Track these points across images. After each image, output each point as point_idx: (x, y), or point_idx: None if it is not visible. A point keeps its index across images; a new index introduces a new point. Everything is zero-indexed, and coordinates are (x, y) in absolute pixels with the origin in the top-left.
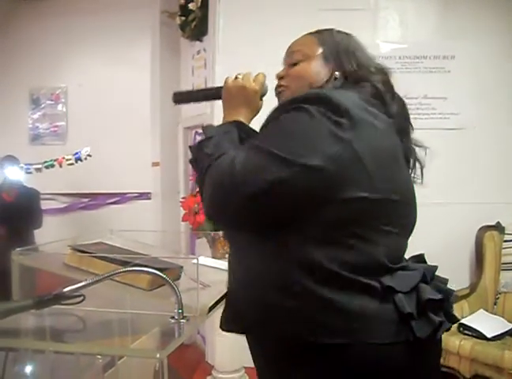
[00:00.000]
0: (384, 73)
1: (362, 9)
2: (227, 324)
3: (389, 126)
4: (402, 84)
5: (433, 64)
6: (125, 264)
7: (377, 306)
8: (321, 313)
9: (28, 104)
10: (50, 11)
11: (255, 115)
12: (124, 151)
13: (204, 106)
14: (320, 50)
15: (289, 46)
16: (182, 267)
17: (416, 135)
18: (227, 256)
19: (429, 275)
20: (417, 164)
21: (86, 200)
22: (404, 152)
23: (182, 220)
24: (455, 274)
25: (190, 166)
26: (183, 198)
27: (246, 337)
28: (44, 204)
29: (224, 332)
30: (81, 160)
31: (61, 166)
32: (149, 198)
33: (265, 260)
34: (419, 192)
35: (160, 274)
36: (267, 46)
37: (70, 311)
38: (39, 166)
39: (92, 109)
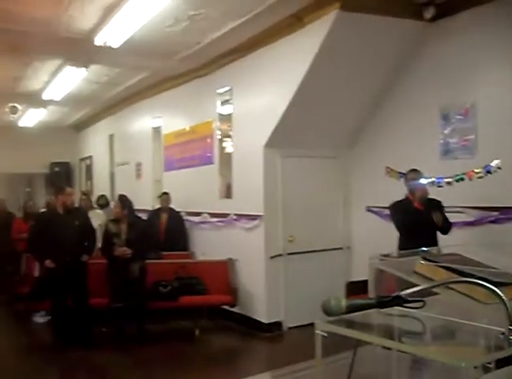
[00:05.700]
0: None
1: None
2: None
3: None
4: None
5: None
6: (467, 275)
7: None
8: None
9: (438, 120)
10: (453, 29)
11: None
12: None
13: None
14: None
15: None
16: None
17: None
18: None
19: None
20: None
21: (496, 213)
22: None
23: None
24: None
25: None
26: None
27: None
28: (452, 217)
29: None
30: (491, 173)
31: (470, 179)
32: None
33: None
34: None
35: (490, 286)
36: None
37: (412, 314)
38: (450, 179)
39: (502, 121)
